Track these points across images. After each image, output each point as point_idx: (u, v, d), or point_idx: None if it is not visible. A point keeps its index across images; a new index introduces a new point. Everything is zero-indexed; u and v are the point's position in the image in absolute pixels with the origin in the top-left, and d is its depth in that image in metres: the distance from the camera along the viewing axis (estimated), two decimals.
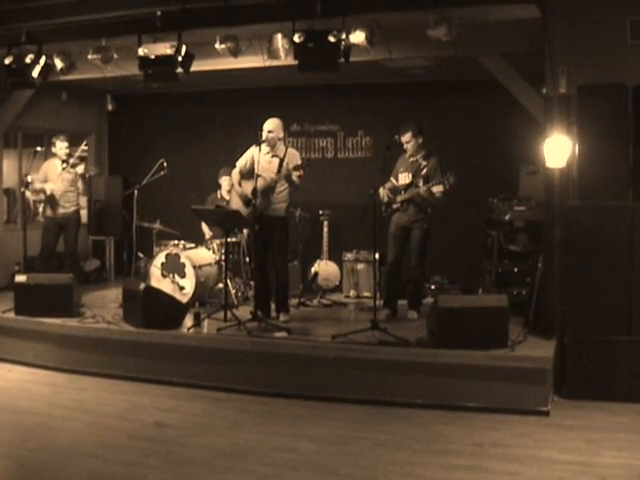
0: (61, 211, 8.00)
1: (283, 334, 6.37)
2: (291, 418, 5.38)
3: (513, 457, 4.51)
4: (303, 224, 8.76)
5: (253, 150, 6.87)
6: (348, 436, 4.95)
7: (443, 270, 8.52)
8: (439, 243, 7.50)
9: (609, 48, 5.85)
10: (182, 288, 7.44)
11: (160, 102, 10.00)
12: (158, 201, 9.13)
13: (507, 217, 7.58)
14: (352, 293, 8.66)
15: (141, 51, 6.71)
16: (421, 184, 6.91)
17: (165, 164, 7.89)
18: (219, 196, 8.40)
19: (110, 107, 10.13)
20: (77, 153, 8.01)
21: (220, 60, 7.17)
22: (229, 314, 6.59)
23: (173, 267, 7.53)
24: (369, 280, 8.28)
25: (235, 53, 6.93)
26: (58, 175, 7.95)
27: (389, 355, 5.74)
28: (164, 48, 6.65)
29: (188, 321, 6.73)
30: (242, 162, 7.03)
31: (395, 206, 7.10)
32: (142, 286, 6.65)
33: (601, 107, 5.71)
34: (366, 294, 8.46)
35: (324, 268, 8.77)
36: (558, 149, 5.95)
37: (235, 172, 7.11)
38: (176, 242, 7.87)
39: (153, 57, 6.69)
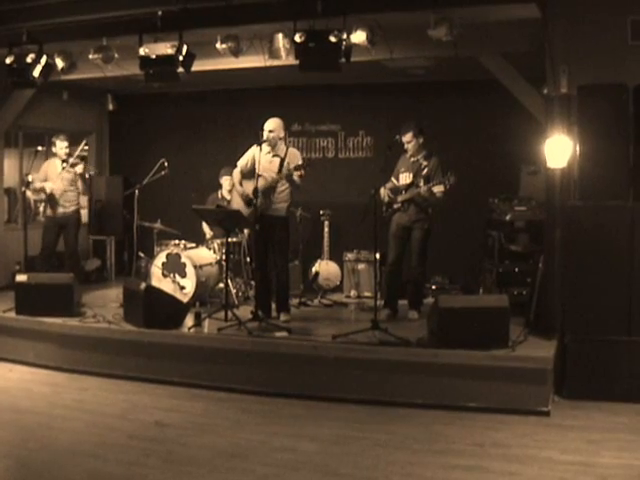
0: (61, 211, 8.01)
1: (284, 334, 6.36)
2: (292, 418, 5.38)
3: (514, 457, 4.51)
4: (304, 224, 8.76)
5: (254, 150, 6.87)
6: (349, 436, 4.95)
7: (444, 270, 8.51)
8: (440, 243, 7.50)
9: (610, 48, 5.85)
10: (183, 288, 7.44)
11: (161, 102, 10.00)
12: (159, 201, 9.14)
13: (508, 217, 7.58)
14: (353, 293, 8.65)
15: (142, 51, 6.72)
16: (422, 184, 6.91)
17: (166, 164, 7.89)
18: (220, 196, 8.40)
19: (111, 107, 10.11)
20: (77, 152, 8.01)
21: (221, 60, 7.16)
22: (230, 314, 6.59)
23: (174, 267, 7.53)
24: (370, 280, 8.28)
25: (236, 53, 6.93)
26: (58, 174, 7.96)
27: (390, 355, 5.74)
28: (165, 48, 6.65)
29: (189, 321, 6.73)
30: (243, 162, 7.03)
31: (396, 206, 7.10)
32: (143, 286, 6.65)
33: (602, 107, 5.71)
34: (367, 294, 8.45)
35: (325, 268, 8.76)
36: (559, 149, 5.95)
37: (236, 172, 7.11)
38: (177, 242, 7.87)
39: (154, 57, 6.70)
